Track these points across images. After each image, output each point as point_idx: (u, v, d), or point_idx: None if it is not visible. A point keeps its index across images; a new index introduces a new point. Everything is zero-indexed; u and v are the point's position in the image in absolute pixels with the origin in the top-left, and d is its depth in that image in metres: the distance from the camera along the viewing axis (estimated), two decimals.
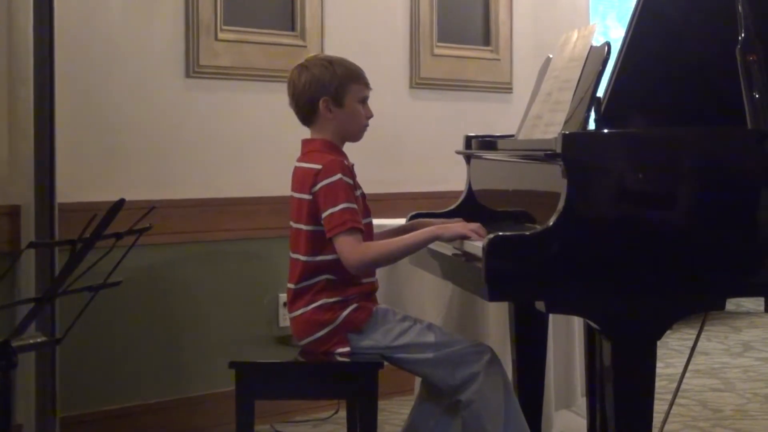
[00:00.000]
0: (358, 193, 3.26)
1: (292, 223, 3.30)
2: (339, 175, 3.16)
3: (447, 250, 3.24)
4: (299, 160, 3.31)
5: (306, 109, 3.30)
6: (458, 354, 3.20)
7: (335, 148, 3.29)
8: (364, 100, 3.32)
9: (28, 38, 3.85)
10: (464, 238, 3.10)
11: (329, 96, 3.26)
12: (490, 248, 2.69)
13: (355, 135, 3.34)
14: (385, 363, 3.20)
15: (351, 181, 3.20)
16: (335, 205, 3.14)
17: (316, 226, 3.19)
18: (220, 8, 4.45)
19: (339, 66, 3.29)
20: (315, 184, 3.18)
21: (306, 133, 3.36)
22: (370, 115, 3.33)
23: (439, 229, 3.18)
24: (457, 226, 3.18)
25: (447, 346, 3.21)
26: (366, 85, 3.32)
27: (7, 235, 3.91)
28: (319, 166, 3.19)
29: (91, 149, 4.16)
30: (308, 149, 3.31)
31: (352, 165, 3.29)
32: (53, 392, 3.90)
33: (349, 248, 3.12)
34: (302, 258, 3.24)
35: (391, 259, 3.26)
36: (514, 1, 5.58)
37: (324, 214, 3.15)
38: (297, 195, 3.26)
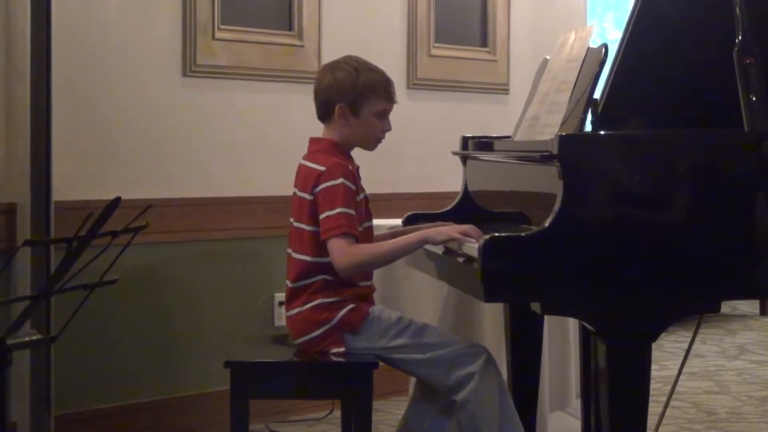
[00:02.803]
0: (360, 197, 3.26)
1: (292, 221, 3.29)
2: (341, 179, 3.16)
3: (442, 250, 3.23)
4: (305, 158, 3.31)
5: (322, 109, 3.31)
6: (454, 355, 3.20)
7: (342, 151, 3.29)
8: (383, 114, 3.30)
9: (26, 36, 3.85)
10: (455, 240, 3.10)
11: (346, 103, 3.26)
12: (486, 249, 2.69)
13: (365, 145, 3.34)
14: (380, 363, 3.20)
15: (353, 186, 3.20)
16: (332, 209, 3.14)
17: (317, 227, 3.19)
18: (217, 7, 4.45)
19: (364, 75, 3.27)
20: (317, 185, 3.18)
21: (309, 132, 3.35)
22: (387, 129, 3.33)
23: (430, 232, 3.18)
24: (448, 228, 3.17)
25: (442, 346, 3.21)
26: (388, 98, 3.30)
27: (2, 233, 3.91)
28: (323, 168, 3.19)
29: (88, 147, 4.16)
30: (315, 148, 3.31)
31: (357, 168, 3.29)
32: (48, 390, 3.90)
33: (339, 250, 3.12)
34: (302, 257, 3.23)
35: (380, 262, 3.27)
36: (512, 2, 5.58)
37: (321, 216, 3.16)
38: (299, 193, 3.26)
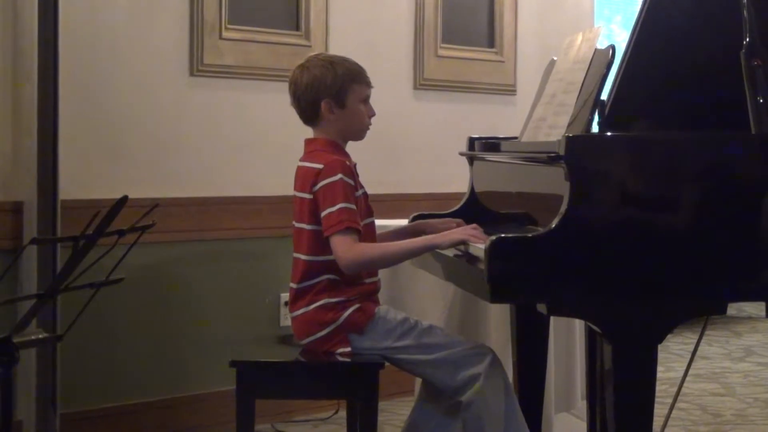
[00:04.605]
0: (359, 193, 3.26)
1: (294, 223, 3.30)
2: (339, 175, 3.16)
3: (449, 251, 3.23)
4: (302, 159, 3.31)
5: (308, 110, 3.30)
6: (459, 355, 3.19)
7: (338, 148, 3.30)
8: (365, 100, 3.32)
9: (33, 35, 3.86)
10: (462, 243, 3.10)
11: (331, 97, 3.26)
12: (493, 250, 2.69)
13: (358, 134, 3.35)
14: (386, 363, 3.20)
15: (351, 182, 3.20)
16: (333, 205, 3.14)
17: (317, 226, 3.19)
18: (224, 7, 4.45)
19: (340, 66, 3.28)
20: (316, 184, 3.18)
21: (309, 132, 3.36)
22: (372, 114, 3.34)
23: (436, 239, 3.18)
24: (453, 232, 3.17)
25: (448, 347, 3.21)
26: (367, 84, 3.32)
27: (9, 232, 3.92)
28: (320, 166, 3.19)
29: (95, 146, 4.17)
30: (311, 149, 3.31)
31: (355, 164, 3.29)
32: (54, 389, 3.91)
33: (344, 247, 3.12)
34: (304, 257, 3.24)
35: (385, 262, 3.28)
36: (519, 3, 5.58)
37: (322, 214, 3.16)
38: (299, 194, 3.27)
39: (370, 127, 3.36)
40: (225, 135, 4.51)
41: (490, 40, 5.52)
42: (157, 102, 4.32)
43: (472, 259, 3.02)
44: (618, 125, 2.98)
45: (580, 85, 3.12)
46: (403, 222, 3.75)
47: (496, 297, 2.78)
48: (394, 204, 4.62)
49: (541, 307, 2.79)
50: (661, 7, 3.11)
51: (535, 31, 5.65)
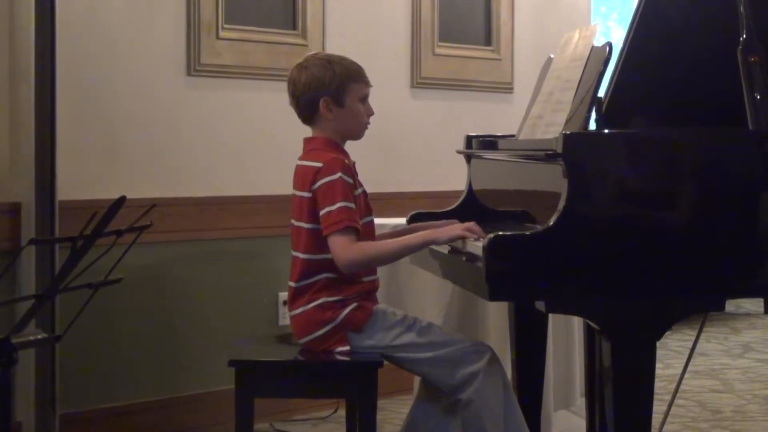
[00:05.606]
0: (358, 191, 3.26)
1: (293, 222, 3.30)
2: (339, 174, 3.16)
3: (447, 249, 3.24)
4: (301, 158, 3.31)
5: (306, 109, 3.30)
6: (458, 353, 3.20)
7: (337, 147, 3.30)
8: (364, 99, 3.32)
9: (30, 36, 3.86)
10: (460, 238, 3.10)
11: (329, 96, 3.26)
12: (491, 248, 2.70)
13: (356, 134, 3.35)
14: (385, 362, 3.20)
15: (351, 180, 3.20)
16: (333, 204, 3.14)
17: (316, 224, 3.19)
18: (221, 7, 4.45)
19: (338, 65, 3.29)
20: (315, 182, 3.18)
21: (307, 131, 3.36)
22: (370, 113, 3.34)
23: (434, 233, 3.18)
24: (452, 228, 3.18)
25: (447, 345, 3.21)
26: (366, 83, 3.33)
27: (7, 233, 3.92)
28: (319, 164, 3.19)
29: (92, 147, 4.16)
30: (310, 147, 3.31)
31: (354, 163, 3.30)
32: (53, 389, 3.91)
33: (342, 247, 3.12)
34: (303, 256, 3.24)
35: (383, 260, 3.28)
36: (516, 1, 5.58)
37: (321, 212, 3.16)
38: (298, 193, 3.27)
39: (369, 126, 3.36)
40: (222, 135, 4.51)
41: (487, 38, 5.52)
42: (154, 102, 4.32)
43: (470, 257, 3.02)
44: (615, 122, 2.98)
45: (577, 82, 3.12)
46: (401, 221, 3.75)
47: (494, 295, 2.78)
48: (391, 202, 4.62)
49: (540, 305, 2.79)
50: (658, 4, 3.11)
51: (531, 29, 5.65)
